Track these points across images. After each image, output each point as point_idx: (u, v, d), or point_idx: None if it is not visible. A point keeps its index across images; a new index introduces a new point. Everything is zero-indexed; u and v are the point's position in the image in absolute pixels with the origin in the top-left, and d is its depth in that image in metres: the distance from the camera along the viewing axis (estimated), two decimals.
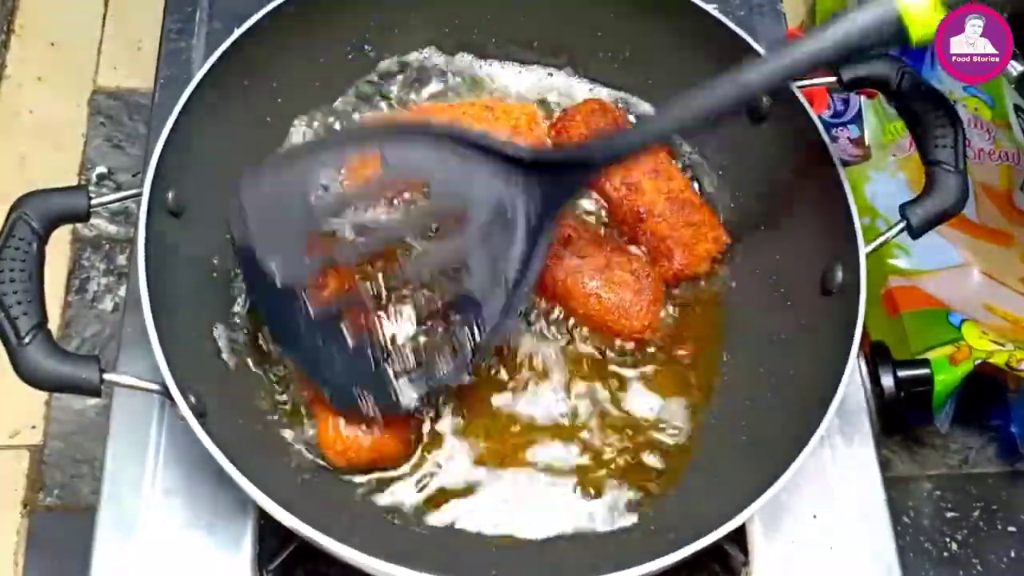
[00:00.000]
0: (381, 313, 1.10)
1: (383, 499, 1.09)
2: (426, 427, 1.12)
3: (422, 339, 1.10)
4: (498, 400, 1.14)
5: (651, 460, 1.13)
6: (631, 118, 1.30)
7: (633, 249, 1.21)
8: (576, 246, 1.17)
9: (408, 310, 1.11)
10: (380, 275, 1.11)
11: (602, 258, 1.17)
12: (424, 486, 1.09)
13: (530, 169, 1.05)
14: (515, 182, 1.05)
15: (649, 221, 1.20)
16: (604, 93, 1.32)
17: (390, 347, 1.07)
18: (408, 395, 1.05)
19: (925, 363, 1.55)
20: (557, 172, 1.06)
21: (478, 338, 1.05)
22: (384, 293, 1.11)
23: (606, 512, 1.09)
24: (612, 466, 1.12)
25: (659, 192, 1.20)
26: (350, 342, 1.06)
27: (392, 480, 1.10)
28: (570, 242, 1.17)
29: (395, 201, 1.20)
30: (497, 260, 1.05)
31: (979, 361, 1.60)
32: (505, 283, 1.05)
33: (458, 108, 1.26)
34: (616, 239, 1.22)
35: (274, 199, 1.08)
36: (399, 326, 1.11)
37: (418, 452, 1.11)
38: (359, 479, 1.09)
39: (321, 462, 1.09)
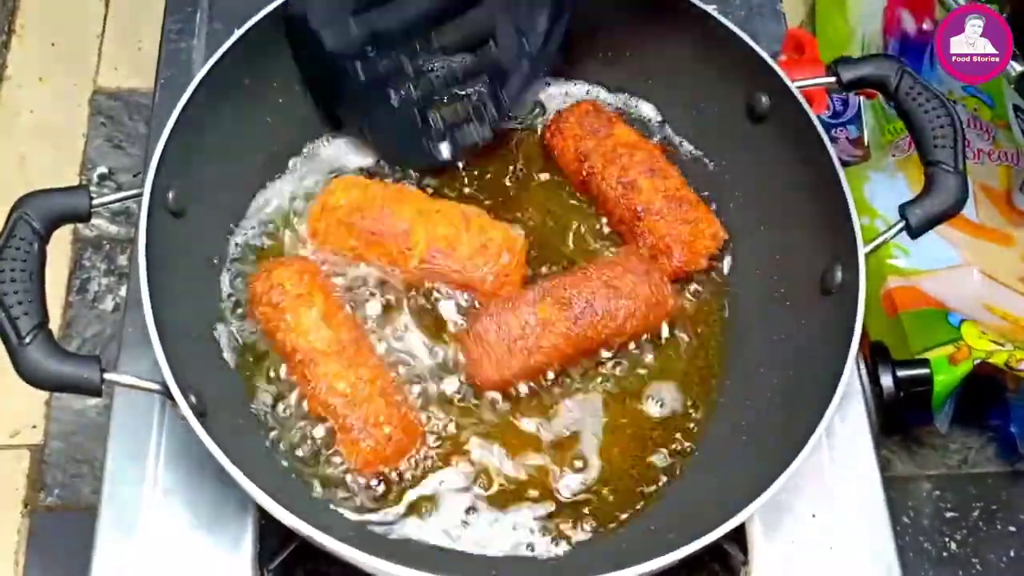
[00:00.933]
0: (418, 79, 1.20)
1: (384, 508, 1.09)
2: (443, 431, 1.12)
3: (455, 104, 1.22)
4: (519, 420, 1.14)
5: (655, 460, 1.13)
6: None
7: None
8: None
9: (442, 76, 1.21)
10: (417, 45, 1.19)
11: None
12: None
13: None
14: None
15: (647, 219, 1.20)
16: (603, 94, 1.32)
17: (428, 108, 1.21)
18: (444, 150, 1.24)
19: (924, 363, 1.55)
20: None
21: (503, 103, 1.22)
22: (421, 62, 1.20)
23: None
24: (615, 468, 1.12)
25: (656, 191, 1.20)
26: (394, 101, 1.20)
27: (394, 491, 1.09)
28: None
29: None
30: (521, 31, 1.19)
31: (978, 361, 1.61)
32: (529, 53, 1.19)
33: None
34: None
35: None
36: (435, 90, 1.22)
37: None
38: (361, 483, 1.09)
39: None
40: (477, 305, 1.16)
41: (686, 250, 1.19)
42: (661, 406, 1.15)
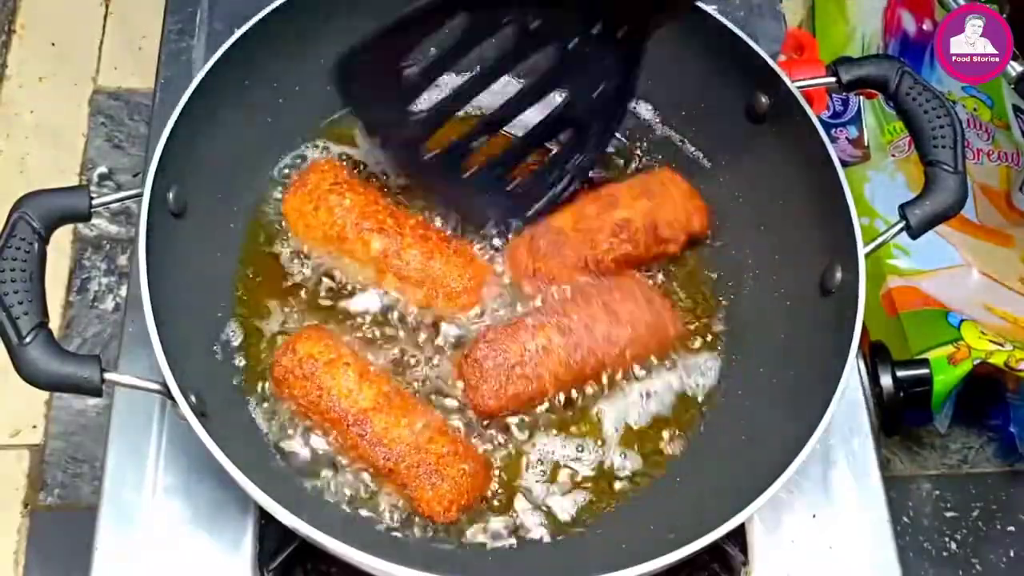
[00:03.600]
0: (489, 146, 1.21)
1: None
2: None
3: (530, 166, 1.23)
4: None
5: (656, 460, 1.13)
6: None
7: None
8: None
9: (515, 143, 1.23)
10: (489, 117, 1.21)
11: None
12: None
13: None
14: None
15: (627, 231, 1.18)
16: None
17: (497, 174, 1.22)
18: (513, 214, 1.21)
19: (924, 363, 1.55)
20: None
21: (586, 156, 1.20)
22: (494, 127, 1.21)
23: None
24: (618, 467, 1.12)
25: (632, 204, 1.19)
26: (462, 174, 1.20)
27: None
28: None
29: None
30: (595, 85, 1.17)
31: (978, 361, 1.61)
32: (603, 109, 1.18)
33: None
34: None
35: (375, 79, 1.14)
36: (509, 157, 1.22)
37: None
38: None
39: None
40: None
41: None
42: (664, 407, 1.15)
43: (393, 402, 1.08)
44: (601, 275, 1.17)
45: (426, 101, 1.19)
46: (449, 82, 1.19)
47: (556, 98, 1.21)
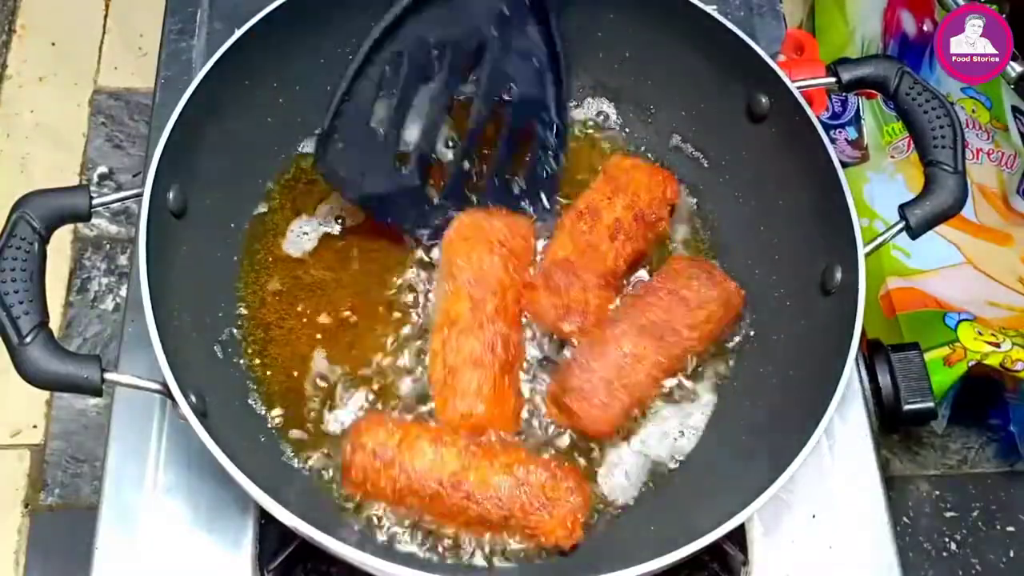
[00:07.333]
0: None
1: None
2: None
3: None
4: None
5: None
6: None
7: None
8: None
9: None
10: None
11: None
12: None
13: None
14: None
15: (623, 231, 1.18)
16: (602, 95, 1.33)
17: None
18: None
19: (915, 345, 1.55)
20: None
21: (553, 131, 1.21)
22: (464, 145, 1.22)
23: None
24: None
25: (611, 205, 1.19)
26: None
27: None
28: None
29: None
30: (527, 54, 1.19)
31: (973, 363, 1.61)
32: (543, 69, 1.20)
33: None
34: None
35: (351, 145, 1.16)
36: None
37: None
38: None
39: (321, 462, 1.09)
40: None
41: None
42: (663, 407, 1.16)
43: (475, 452, 1.05)
44: (621, 281, 1.18)
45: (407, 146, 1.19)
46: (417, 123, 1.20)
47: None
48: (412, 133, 1.20)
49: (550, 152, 1.24)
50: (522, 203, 1.23)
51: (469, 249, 1.15)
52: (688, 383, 1.16)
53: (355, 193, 1.19)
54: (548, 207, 1.23)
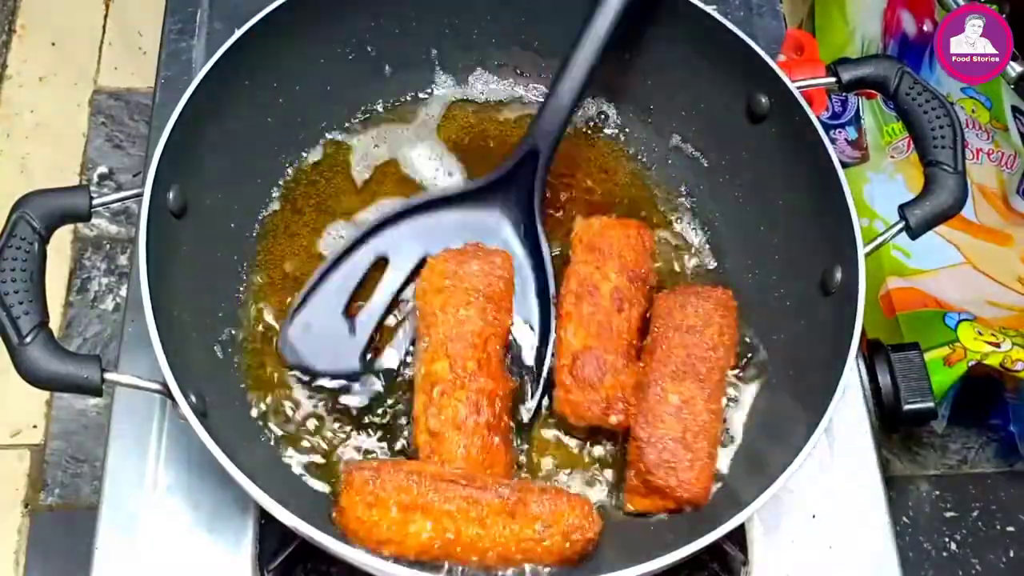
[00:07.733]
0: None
1: None
2: None
3: None
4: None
5: None
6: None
7: None
8: None
9: None
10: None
11: None
12: None
13: (494, 192, 1.21)
14: (489, 204, 1.21)
15: (625, 297, 1.15)
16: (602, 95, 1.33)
17: None
18: None
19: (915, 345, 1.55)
20: (511, 180, 1.20)
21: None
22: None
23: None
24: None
25: (604, 271, 1.16)
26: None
27: None
28: None
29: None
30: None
31: (973, 363, 1.61)
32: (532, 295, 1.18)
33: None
34: None
35: (318, 334, 1.16)
36: None
37: None
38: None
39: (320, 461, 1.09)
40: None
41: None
42: None
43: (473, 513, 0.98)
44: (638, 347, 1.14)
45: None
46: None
47: None
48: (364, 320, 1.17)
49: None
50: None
51: (443, 302, 1.09)
52: None
53: (303, 369, 1.14)
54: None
